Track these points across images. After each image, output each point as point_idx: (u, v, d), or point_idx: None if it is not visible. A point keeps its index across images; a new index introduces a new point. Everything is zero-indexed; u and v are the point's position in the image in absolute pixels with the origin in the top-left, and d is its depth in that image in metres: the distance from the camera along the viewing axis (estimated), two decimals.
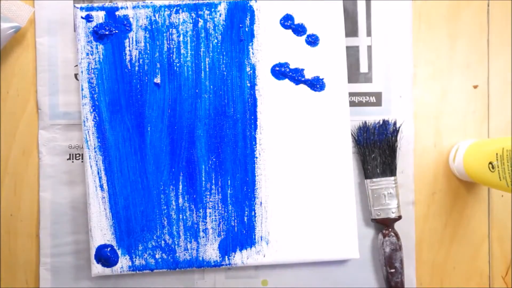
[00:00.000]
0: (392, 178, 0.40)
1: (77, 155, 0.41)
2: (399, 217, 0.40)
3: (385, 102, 0.42)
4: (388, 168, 0.40)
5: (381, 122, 0.40)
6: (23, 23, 0.40)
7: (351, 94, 0.42)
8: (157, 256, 0.39)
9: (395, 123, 0.41)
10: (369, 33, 0.42)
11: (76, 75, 0.41)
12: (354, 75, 0.42)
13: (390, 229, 0.40)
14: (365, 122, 0.41)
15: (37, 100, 0.41)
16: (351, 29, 0.42)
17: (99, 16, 0.39)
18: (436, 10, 0.43)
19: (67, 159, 0.41)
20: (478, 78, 0.43)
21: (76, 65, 0.41)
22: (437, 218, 0.42)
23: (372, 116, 0.42)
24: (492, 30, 0.43)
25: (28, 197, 0.41)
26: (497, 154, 0.35)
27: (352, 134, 0.41)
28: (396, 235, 0.40)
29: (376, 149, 0.40)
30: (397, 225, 0.41)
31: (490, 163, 0.36)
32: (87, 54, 0.39)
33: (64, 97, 0.41)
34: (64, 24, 0.41)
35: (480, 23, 0.43)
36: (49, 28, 0.41)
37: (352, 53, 0.42)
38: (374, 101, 0.42)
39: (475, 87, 0.43)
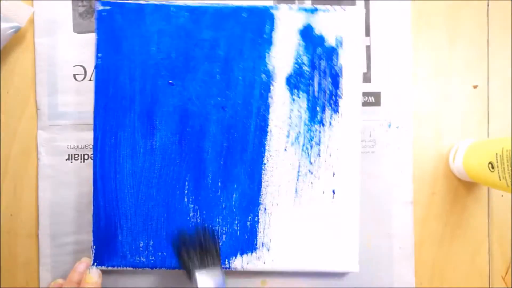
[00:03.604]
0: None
1: (76, 156, 0.41)
2: None
3: (384, 102, 0.42)
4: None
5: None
6: (23, 23, 0.40)
7: None
8: (158, 254, 0.39)
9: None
10: (368, 33, 0.42)
11: (75, 76, 0.41)
12: None
13: None
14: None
15: (36, 100, 0.41)
16: None
17: (118, 12, 0.39)
18: (436, 10, 0.43)
19: (66, 159, 0.41)
20: (478, 78, 0.43)
21: (76, 65, 0.41)
22: (437, 218, 0.42)
23: (372, 116, 0.42)
24: (492, 30, 0.43)
25: (28, 197, 0.41)
26: (497, 154, 0.35)
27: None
28: None
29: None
30: (396, 226, 0.41)
31: (490, 163, 0.36)
32: (104, 51, 0.39)
33: (63, 98, 0.41)
34: (64, 24, 0.41)
35: (480, 23, 0.43)
36: (48, 28, 0.41)
37: None
38: (373, 101, 0.42)
39: (475, 87, 0.43)
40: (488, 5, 0.43)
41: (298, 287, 0.41)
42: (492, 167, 0.36)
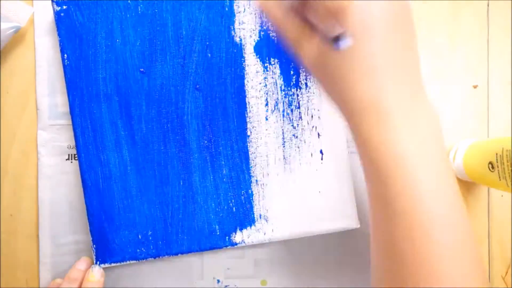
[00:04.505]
0: None
1: (76, 155, 0.41)
2: None
3: None
4: None
5: None
6: (23, 23, 0.40)
7: None
8: (158, 242, 0.39)
9: None
10: None
11: None
12: None
13: None
14: None
15: (36, 100, 0.41)
16: None
17: (76, 10, 0.39)
18: (436, 10, 0.43)
19: (66, 159, 0.41)
20: (478, 78, 0.43)
21: None
22: None
23: None
24: (492, 30, 0.43)
25: (28, 197, 0.41)
26: (497, 154, 0.35)
27: None
28: None
29: None
30: None
31: (490, 163, 0.36)
32: (69, 50, 0.38)
33: (63, 98, 0.41)
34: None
35: (480, 23, 0.43)
36: (48, 28, 0.41)
37: None
38: None
39: (475, 87, 0.43)
40: (488, 5, 0.43)
41: (298, 287, 0.41)
42: (492, 167, 0.36)
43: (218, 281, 0.41)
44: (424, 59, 0.43)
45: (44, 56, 0.41)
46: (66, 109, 0.40)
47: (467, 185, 0.42)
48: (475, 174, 0.38)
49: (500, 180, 0.35)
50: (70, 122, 0.40)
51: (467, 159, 0.39)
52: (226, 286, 0.41)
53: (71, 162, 0.41)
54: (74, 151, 0.41)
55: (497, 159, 0.35)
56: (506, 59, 0.43)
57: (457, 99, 0.43)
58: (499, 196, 0.42)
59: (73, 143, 0.41)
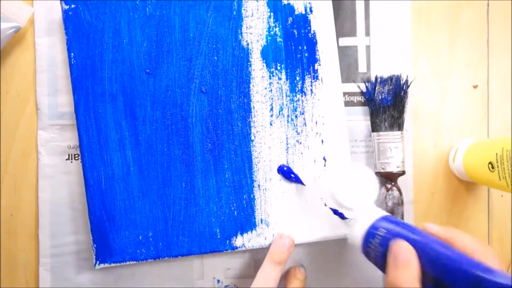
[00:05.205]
0: (399, 132, 0.40)
1: (76, 155, 0.41)
2: (403, 172, 0.40)
3: None
4: (396, 122, 0.40)
5: (393, 77, 0.41)
6: (23, 23, 0.40)
7: (350, 94, 0.42)
8: (158, 244, 0.39)
9: (406, 79, 0.41)
10: (367, 33, 0.42)
11: None
12: (352, 74, 0.42)
13: (393, 184, 0.40)
14: (377, 76, 0.41)
15: (36, 100, 0.41)
16: (349, 29, 0.42)
17: (84, 9, 0.39)
18: (436, 10, 0.43)
19: (66, 159, 0.41)
20: (478, 78, 0.43)
21: None
22: (437, 218, 0.42)
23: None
24: (492, 30, 0.43)
25: (28, 197, 0.41)
26: (496, 154, 0.35)
27: (365, 86, 0.41)
28: (399, 190, 0.40)
29: (386, 102, 0.40)
30: None
31: (490, 163, 0.36)
32: (76, 49, 0.38)
33: (63, 98, 0.41)
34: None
35: (480, 23, 0.43)
36: (48, 28, 0.41)
37: (350, 53, 0.42)
38: None
39: (475, 87, 0.43)
40: (488, 5, 0.43)
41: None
42: (492, 167, 0.36)
43: (218, 281, 0.41)
44: (424, 59, 0.43)
45: (44, 56, 0.41)
46: (66, 109, 0.41)
47: (467, 185, 0.42)
48: (475, 174, 0.38)
49: (500, 180, 0.35)
50: (70, 122, 0.40)
51: (467, 159, 0.39)
52: (226, 286, 0.41)
53: (71, 162, 0.41)
54: (74, 151, 0.41)
55: (497, 159, 0.35)
56: (506, 59, 0.43)
57: (457, 99, 0.43)
58: (499, 196, 0.42)
59: (73, 143, 0.41)
